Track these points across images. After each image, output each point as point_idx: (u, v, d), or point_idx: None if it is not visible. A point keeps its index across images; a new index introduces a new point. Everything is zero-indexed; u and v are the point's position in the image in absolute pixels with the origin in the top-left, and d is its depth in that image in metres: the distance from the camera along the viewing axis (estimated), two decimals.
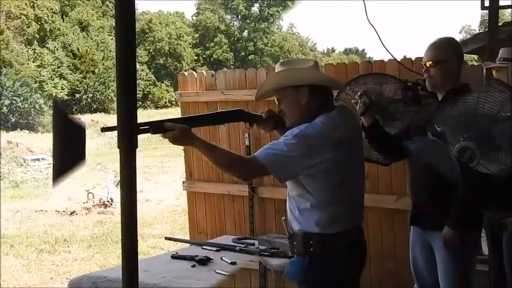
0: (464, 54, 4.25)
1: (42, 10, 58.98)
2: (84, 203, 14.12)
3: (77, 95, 57.75)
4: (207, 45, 76.15)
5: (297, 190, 3.22)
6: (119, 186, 2.46)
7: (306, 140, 3.09)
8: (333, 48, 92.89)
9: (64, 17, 63.90)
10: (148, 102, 62.62)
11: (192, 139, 3.14)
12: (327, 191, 3.16)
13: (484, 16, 52.81)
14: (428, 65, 3.85)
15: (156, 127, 3.11)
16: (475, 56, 16.17)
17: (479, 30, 57.01)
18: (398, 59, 5.29)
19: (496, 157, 3.27)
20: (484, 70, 5.54)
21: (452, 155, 3.40)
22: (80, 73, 59.34)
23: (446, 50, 3.84)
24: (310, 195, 3.16)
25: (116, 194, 13.44)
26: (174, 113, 32.05)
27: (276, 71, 3.38)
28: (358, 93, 4.10)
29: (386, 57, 5.52)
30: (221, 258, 4.41)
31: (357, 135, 3.42)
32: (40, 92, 41.14)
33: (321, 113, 3.21)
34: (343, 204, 3.22)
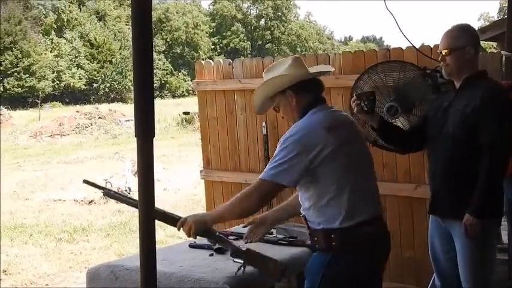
0: (484, 41, 4.22)
1: (60, 0, 59.15)
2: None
3: (95, 85, 58.17)
4: (224, 34, 76.21)
5: (309, 190, 3.26)
6: (136, 175, 2.46)
7: (297, 138, 3.19)
8: (350, 36, 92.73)
9: (81, 6, 64.09)
10: (165, 92, 62.87)
11: (206, 224, 3.47)
12: (337, 176, 3.18)
13: (502, 3, 52.43)
14: (444, 53, 3.82)
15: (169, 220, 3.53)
16: (494, 44, 16.04)
17: (497, 17, 56.57)
18: (417, 47, 5.25)
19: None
20: (504, 57, 5.49)
21: None
22: (98, 63, 59.71)
23: (461, 37, 3.81)
24: (323, 188, 3.19)
25: (133, 183, 13.45)
26: (191, 102, 32.13)
27: (264, 79, 3.50)
28: (354, 96, 4.09)
29: (404, 45, 5.47)
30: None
31: (347, 123, 3.44)
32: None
33: (312, 109, 3.32)
34: (357, 191, 3.22)
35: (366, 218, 3.21)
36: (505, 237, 5.00)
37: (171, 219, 3.54)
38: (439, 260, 4.02)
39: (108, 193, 3.94)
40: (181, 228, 3.46)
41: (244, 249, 3.58)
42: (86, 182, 3.95)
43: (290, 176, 3.16)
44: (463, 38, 3.81)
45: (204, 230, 3.48)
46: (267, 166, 3.23)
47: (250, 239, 3.73)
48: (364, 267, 3.23)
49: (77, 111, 35.06)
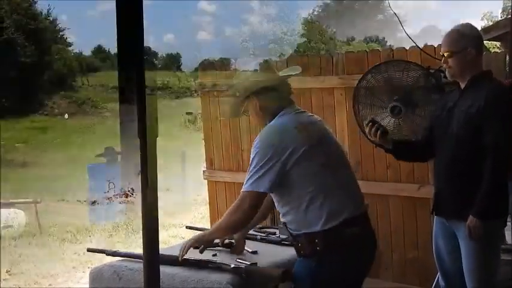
0: (487, 41, 4.21)
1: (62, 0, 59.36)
2: (105, 192, 14.15)
3: None
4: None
5: (286, 195, 3.24)
6: (139, 175, 2.46)
7: (268, 142, 3.19)
8: (352, 36, 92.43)
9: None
10: (168, 92, 62.93)
11: (204, 237, 3.58)
12: (313, 177, 3.16)
13: (506, 3, 52.24)
14: (445, 56, 3.80)
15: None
16: (497, 43, 16.01)
17: (501, 17, 56.41)
18: (420, 46, 5.24)
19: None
20: (507, 57, 5.47)
21: None
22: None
23: (462, 39, 3.78)
24: (300, 191, 3.17)
25: (136, 183, 13.45)
26: (194, 102, 32.13)
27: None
28: (367, 122, 4.07)
29: (407, 45, 5.46)
30: None
31: (316, 123, 3.45)
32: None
33: (279, 112, 3.33)
34: (336, 190, 3.21)
35: (348, 216, 3.16)
36: (509, 238, 4.98)
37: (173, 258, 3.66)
38: (444, 260, 4.00)
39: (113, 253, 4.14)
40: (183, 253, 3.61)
41: (243, 268, 3.58)
42: (90, 250, 4.44)
43: (268, 181, 3.15)
44: (464, 39, 3.78)
45: (200, 243, 3.58)
46: (246, 176, 3.23)
47: (236, 253, 3.82)
48: (352, 268, 3.20)
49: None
